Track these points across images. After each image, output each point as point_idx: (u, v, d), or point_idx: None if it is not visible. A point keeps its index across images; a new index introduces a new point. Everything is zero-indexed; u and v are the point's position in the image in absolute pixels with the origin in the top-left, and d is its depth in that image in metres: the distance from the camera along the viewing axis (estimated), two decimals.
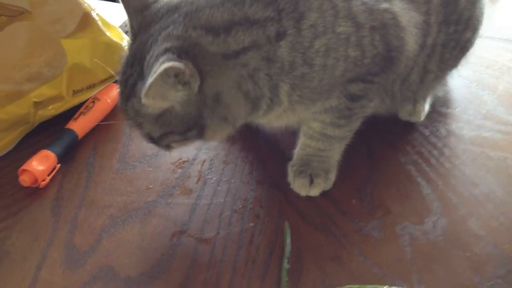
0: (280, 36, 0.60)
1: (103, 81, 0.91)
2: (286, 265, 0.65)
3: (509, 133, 0.82)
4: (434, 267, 0.65)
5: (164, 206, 0.75)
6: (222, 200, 0.75)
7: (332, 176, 0.75)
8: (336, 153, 0.74)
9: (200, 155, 0.82)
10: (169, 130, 0.63)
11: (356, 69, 0.64)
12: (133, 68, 0.61)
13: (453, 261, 0.65)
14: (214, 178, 0.78)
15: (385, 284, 0.63)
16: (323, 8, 0.61)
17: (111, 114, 0.90)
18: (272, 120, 0.70)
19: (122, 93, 0.64)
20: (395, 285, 0.63)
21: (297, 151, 0.76)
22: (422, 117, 0.85)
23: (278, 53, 0.60)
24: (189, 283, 0.65)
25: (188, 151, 0.83)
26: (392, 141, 0.83)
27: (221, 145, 0.84)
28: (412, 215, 0.71)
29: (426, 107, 0.86)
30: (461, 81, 0.93)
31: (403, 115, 0.85)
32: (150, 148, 0.84)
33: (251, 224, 0.71)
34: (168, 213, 0.74)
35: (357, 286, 0.62)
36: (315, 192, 0.74)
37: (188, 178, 0.79)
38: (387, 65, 0.66)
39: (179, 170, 0.80)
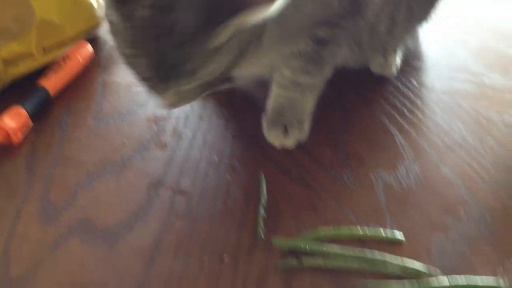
0: None
1: (73, 38, 0.89)
2: (262, 212, 0.66)
3: (480, 84, 0.84)
4: (408, 211, 0.66)
5: (139, 160, 0.74)
6: (198, 153, 0.75)
7: (306, 126, 0.75)
8: (308, 102, 0.75)
9: (175, 111, 0.82)
10: None
11: (325, 12, 0.64)
12: None
13: (426, 204, 0.67)
14: (190, 133, 0.78)
15: (359, 227, 0.64)
16: None
17: (83, 73, 0.89)
18: (248, 66, 0.69)
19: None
20: (368, 228, 0.64)
21: (269, 102, 0.76)
22: (394, 71, 0.86)
23: None
24: (166, 230, 0.65)
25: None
26: (365, 94, 0.84)
27: (196, 101, 0.84)
28: (386, 163, 0.72)
29: (398, 60, 0.87)
30: (433, 35, 0.94)
31: (375, 68, 0.86)
32: (123, 105, 0.84)
33: (227, 176, 0.72)
34: (144, 166, 0.73)
35: (330, 229, 0.63)
36: (290, 142, 0.74)
37: (163, 133, 0.78)
38: (355, 8, 0.67)
39: (154, 126, 0.80)
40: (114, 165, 0.74)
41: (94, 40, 0.96)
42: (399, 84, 0.85)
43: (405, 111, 0.80)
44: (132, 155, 0.75)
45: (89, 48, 0.91)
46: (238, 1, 0.50)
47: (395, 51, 0.86)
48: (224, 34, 0.52)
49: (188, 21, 0.50)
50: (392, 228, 0.64)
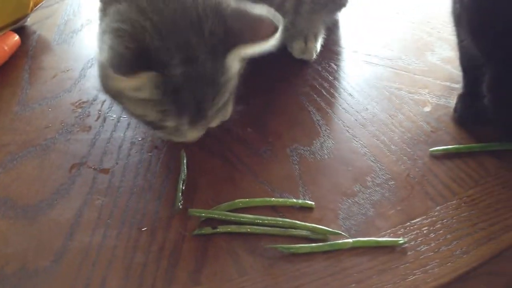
0: None
1: (1, 29, 0.90)
2: (181, 186, 0.68)
3: (395, 67, 0.88)
4: (319, 181, 0.70)
5: (63, 142, 0.76)
6: (122, 134, 0.77)
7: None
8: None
9: (100, 95, 0.84)
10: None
11: None
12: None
13: (336, 174, 0.71)
14: (114, 116, 0.80)
15: (273, 197, 0.67)
16: None
17: (10, 61, 0.90)
18: None
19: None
20: (282, 198, 0.67)
21: None
22: (314, 55, 0.90)
23: None
24: (86, 206, 0.67)
25: (88, 92, 0.84)
26: (286, 76, 0.88)
27: None
28: (302, 138, 0.76)
29: (318, 45, 0.91)
30: (351, 22, 0.99)
31: (297, 53, 0.90)
32: (49, 91, 0.85)
33: (150, 154, 0.74)
34: (67, 148, 0.75)
35: (245, 200, 0.66)
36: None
37: (87, 116, 0.80)
38: None
39: (79, 110, 0.81)
40: (37, 147, 0.75)
41: (21, 30, 0.97)
42: (319, 68, 0.89)
43: (323, 91, 0.84)
44: (56, 138, 0.77)
45: (15, 38, 0.92)
46: (238, 38, 0.59)
47: (315, 37, 0.90)
48: (233, 65, 0.61)
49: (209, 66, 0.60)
50: (304, 196, 0.68)
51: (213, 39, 0.59)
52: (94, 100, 0.83)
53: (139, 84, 0.58)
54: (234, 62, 0.62)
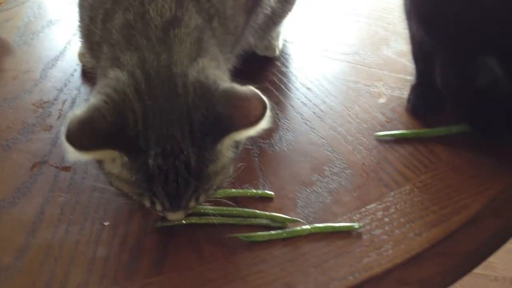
0: None
1: None
2: None
3: (348, 61, 0.91)
4: (279, 171, 0.72)
5: (24, 142, 0.76)
6: None
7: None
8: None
9: (61, 95, 0.84)
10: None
11: None
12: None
13: (295, 165, 0.73)
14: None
15: (234, 188, 0.69)
16: None
17: None
18: None
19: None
20: (242, 189, 0.69)
21: None
22: (277, 52, 0.92)
23: None
24: (49, 203, 0.67)
25: (49, 92, 0.85)
26: (246, 72, 0.89)
27: (84, 84, 0.86)
28: (262, 132, 0.78)
29: (280, 43, 0.93)
30: (309, 18, 1.01)
31: (260, 50, 0.92)
32: (9, 92, 0.85)
33: None
34: (29, 147, 0.75)
35: None
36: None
37: (49, 116, 0.81)
38: None
39: (40, 110, 0.82)
40: None
41: None
42: (278, 63, 0.91)
43: (282, 86, 0.86)
44: (17, 138, 0.77)
45: None
46: (228, 126, 0.55)
47: (278, 35, 0.92)
48: (225, 153, 0.57)
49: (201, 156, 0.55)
50: (264, 187, 0.69)
51: (202, 131, 0.54)
52: (55, 99, 0.83)
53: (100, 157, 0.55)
54: (225, 150, 0.57)
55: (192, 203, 0.57)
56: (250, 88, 0.55)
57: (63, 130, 0.51)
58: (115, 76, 0.55)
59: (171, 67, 0.55)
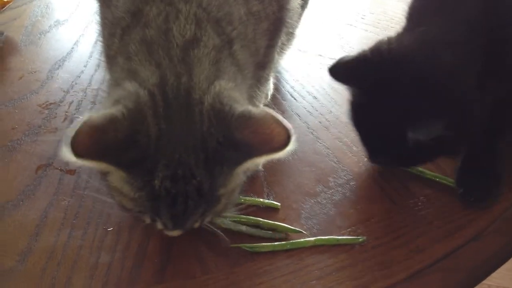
0: None
1: None
2: None
3: None
4: (284, 182, 0.72)
5: (29, 143, 0.76)
6: None
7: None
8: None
9: (67, 97, 0.84)
10: None
11: None
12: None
13: (300, 175, 0.73)
14: (81, 117, 0.80)
15: (240, 199, 0.68)
16: None
17: None
18: None
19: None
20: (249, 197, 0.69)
21: None
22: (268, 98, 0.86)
23: None
24: (52, 207, 0.67)
25: (55, 93, 0.85)
26: None
27: (89, 88, 0.86)
28: None
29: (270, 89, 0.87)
30: (316, 27, 1.02)
31: None
32: (16, 92, 0.85)
33: None
34: (34, 149, 0.75)
35: None
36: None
37: (54, 118, 0.81)
38: None
39: (46, 111, 0.82)
40: (3, 148, 0.75)
41: None
42: (284, 71, 0.91)
43: (288, 94, 0.87)
44: (22, 139, 0.77)
45: None
46: (248, 152, 0.53)
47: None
48: (237, 177, 0.56)
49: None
50: (269, 197, 0.69)
51: (218, 159, 0.53)
52: (61, 101, 0.83)
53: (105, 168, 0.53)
54: (239, 174, 0.56)
55: (197, 224, 0.57)
56: (266, 111, 0.53)
57: (70, 130, 0.49)
58: (135, 91, 0.54)
59: (190, 92, 0.54)
